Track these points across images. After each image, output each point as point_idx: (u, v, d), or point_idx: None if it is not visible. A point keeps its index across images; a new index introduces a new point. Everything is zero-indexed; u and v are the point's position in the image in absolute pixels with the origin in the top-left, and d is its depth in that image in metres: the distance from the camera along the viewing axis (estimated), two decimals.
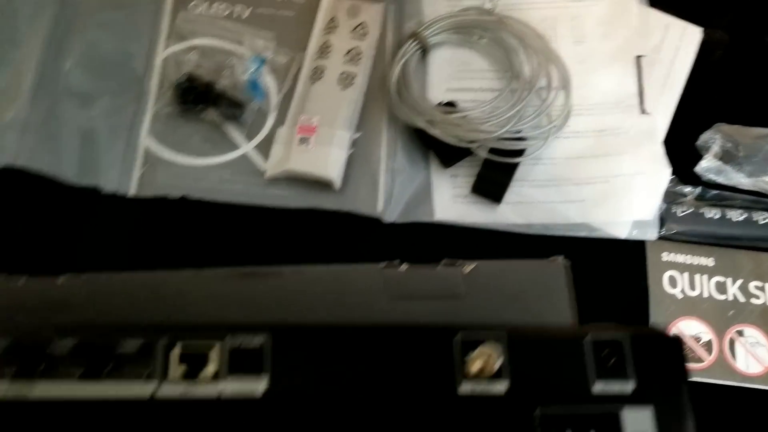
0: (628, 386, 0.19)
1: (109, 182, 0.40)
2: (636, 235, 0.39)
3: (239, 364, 0.19)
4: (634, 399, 0.19)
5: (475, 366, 0.19)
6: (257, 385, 0.19)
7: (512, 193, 0.40)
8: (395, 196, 0.40)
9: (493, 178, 0.40)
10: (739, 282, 0.39)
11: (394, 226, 0.39)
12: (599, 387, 0.19)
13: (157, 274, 0.32)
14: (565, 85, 0.42)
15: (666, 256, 0.39)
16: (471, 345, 0.20)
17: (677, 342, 0.19)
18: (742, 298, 0.39)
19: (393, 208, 0.40)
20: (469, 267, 0.32)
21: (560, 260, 0.33)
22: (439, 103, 0.42)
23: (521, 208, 0.40)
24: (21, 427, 0.19)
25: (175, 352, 0.20)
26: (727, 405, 0.37)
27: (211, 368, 0.19)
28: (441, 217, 0.40)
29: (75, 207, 0.40)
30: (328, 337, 0.20)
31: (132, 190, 0.40)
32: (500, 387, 0.19)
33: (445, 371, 0.20)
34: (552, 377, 0.19)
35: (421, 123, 0.40)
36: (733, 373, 0.37)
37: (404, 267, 0.32)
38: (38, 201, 0.40)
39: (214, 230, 0.40)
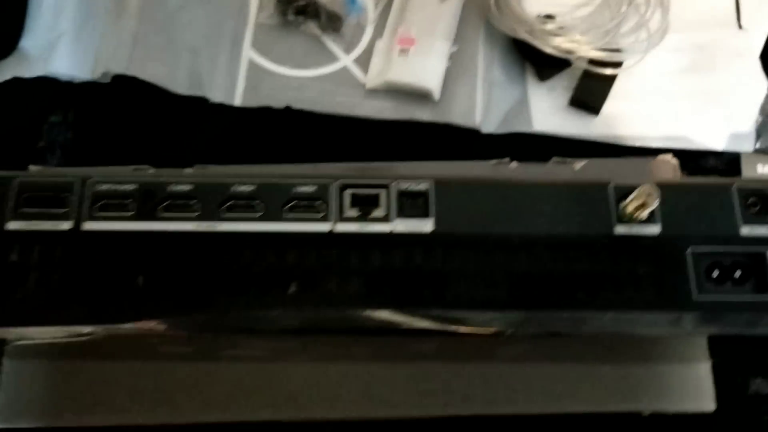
0: None
1: (215, 93, 0.41)
2: (732, 147, 0.40)
3: (406, 207, 0.21)
4: None
5: (629, 208, 0.20)
6: (424, 225, 0.21)
7: (609, 106, 0.41)
8: (493, 107, 0.41)
9: (592, 90, 0.41)
10: None
11: (492, 137, 0.41)
12: (746, 230, 0.20)
13: (278, 167, 0.34)
14: (663, 0, 0.42)
15: (761, 168, 0.40)
16: (624, 193, 0.21)
17: None
18: None
19: (491, 119, 0.41)
20: (579, 164, 0.33)
21: (669, 158, 0.34)
22: (539, 15, 0.42)
23: (618, 121, 0.41)
24: (210, 258, 0.21)
25: (347, 194, 0.21)
26: None
27: (381, 210, 0.21)
28: (539, 128, 0.40)
29: (184, 116, 0.42)
30: (486, 187, 0.21)
31: (237, 100, 0.42)
32: (653, 229, 0.21)
33: (602, 215, 0.21)
34: (701, 222, 0.21)
35: (521, 33, 0.41)
36: None
37: (514, 164, 0.33)
38: (150, 109, 0.42)
39: (315, 140, 0.42)
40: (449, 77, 0.42)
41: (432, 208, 0.21)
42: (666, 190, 0.20)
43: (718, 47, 0.42)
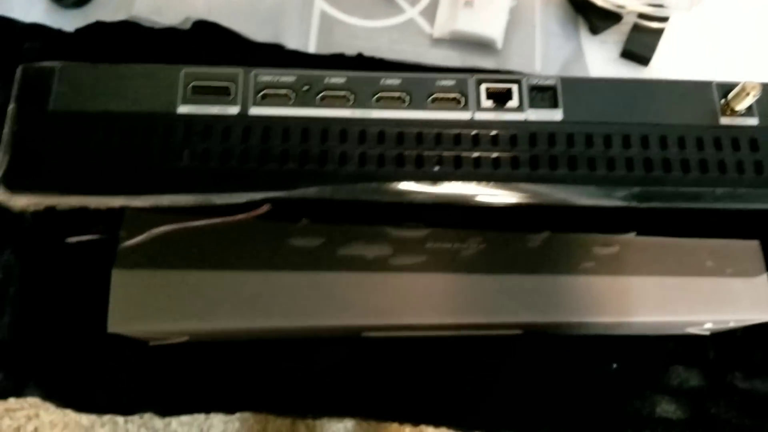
0: None
1: (291, 40, 0.44)
2: None
3: (537, 99, 0.23)
4: None
5: (732, 102, 0.23)
6: (554, 115, 0.23)
7: (657, 58, 0.44)
8: (551, 58, 0.44)
9: (642, 42, 0.44)
10: None
11: None
12: None
13: None
14: None
15: None
16: (726, 90, 0.24)
17: None
18: None
19: (549, 68, 0.44)
20: None
21: None
22: None
23: (666, 71, 0.44)
24: (362, 140, 0.23)
25: (483, 88, 0.24)
26: None
27: (514, 101, 0.24)
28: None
29: (262, 62, 0.44)
30: (607, 83, 0.24)
31: (311, 47, 0.44)
32: (752, 121, 0.24)
33: (708, 109, 0.24)
34: None
35: None
36: None
37: None
38: (229, 55, 0.44)
39: None
40: (510, 29, 0.45)
41: (560, 99, 0.24)
42: (764, 86, 0.23)
43: None
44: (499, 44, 0.44)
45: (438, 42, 0.45)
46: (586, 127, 0.23)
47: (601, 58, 0.45)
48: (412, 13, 0.45)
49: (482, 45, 0.44)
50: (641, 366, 0.37)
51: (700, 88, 0.24)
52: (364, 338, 0.35)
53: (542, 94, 0.24)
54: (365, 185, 0.22)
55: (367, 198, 0.23)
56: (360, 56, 0.44)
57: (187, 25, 0.44)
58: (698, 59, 0.44)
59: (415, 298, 0.31)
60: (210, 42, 0.44)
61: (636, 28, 0.44)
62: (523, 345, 0.37)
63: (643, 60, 0.44)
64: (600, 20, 0.45)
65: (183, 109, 0.23)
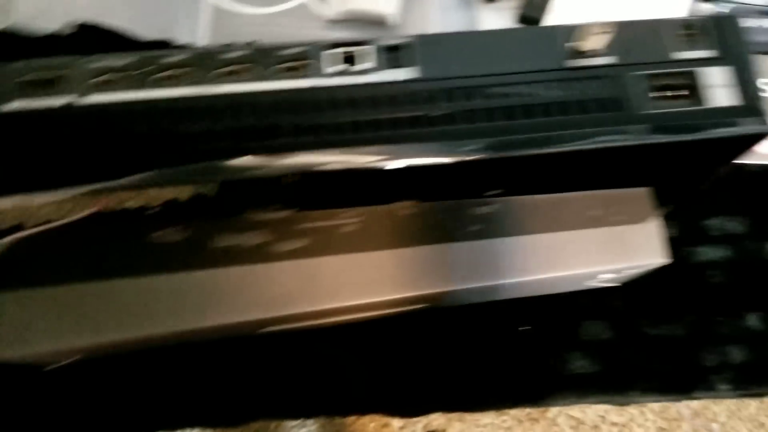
0: (703, 54, 0.24)
1: (180, 36, 0.43)
2: None
3: (393, 59, 0.23)
4: (709, 62, 0.23)
5: (578, 44, 0.23)
6: (411, 73, 0.23)
7: (550, 18, 0.45)
8: (447, 30, 0.44)
9: (533, 5, 0.44)
10: None
11: None
12: (677, 55, 0.24)
13: None
14: None
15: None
16: (572, 33, 0.24)
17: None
18: None
19: None
20: None
21: None
22: None
23: None
24: (206, 117, 0.22)
25: (332, 53, 0.23)
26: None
27: (367, 63, 0.23)
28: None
29: None
30: (463, 37, 0.24)
31: (203, 40, 0.43)
32: (599, 60, 0.24)
33: (556, 52, 0.24)
34: (639, 51, 0.24)
35: None
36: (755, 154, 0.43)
37: None
38: None
39: None
40: (405, 4, 0.44)
41: (417, 57, 0.23)
42: (607, 27, 0.23)
43: None
44: (395, 21, 0.43)
45: (333, 24, 0.44)
46: (442, 83, 0.23)
47: (497, 26, 0.45)
48: None
49: (378, 23, 0.44)
50: (554, 325, 0.37)
51: (549, 32, 0.24)
52: (263, 335, 0.34)
53: (398, 54, 0.24)
54: (206, 165, 0.22)
55: (210, 179, 0.22)
56: (251, 45, 0.43)
57: (70, 29, 0.42)
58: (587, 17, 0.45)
59: (308, 285, 0.30)
60: (94, 45, 0.43)
61: None
62: (432, 319, 0.36)
63: (535, 22, 0.44)
64: None
65: (13, 106, 0.22)
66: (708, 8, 0.46)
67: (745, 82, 0.24)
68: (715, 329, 0.38)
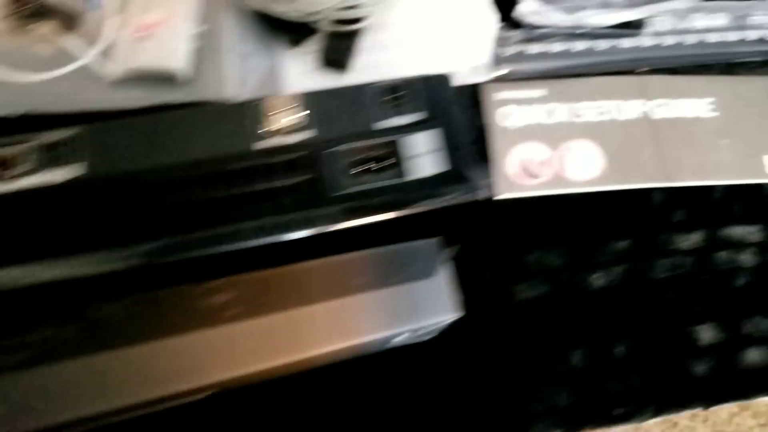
0: (409, 119, 0.22)
1: None
2: (472, 79, 0.44)
3: (53, 157, 0.20)
4: (415, 128, 0.22)
5: (271, 121, 0.21)
6: (70, 173, 0.20)
7: (359, 60, 0.43)
8: (247, 79, 0.42)
9: (337, 48, 0.43)
10: (568, 105, 0.44)
11: None
12: (380, 124, 0.22)
13: None
14: None
15: (501, 94, 0.44)
16: (263, 108, 0.22)
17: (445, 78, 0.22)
18: (571, 119, 0.44)
19: (244, 91, 0.42)
20: None
21: None
22: None
23: (367, 73, 0.43)
24: None
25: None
26: (565, 209, 0.42)
27: (24, 166, 0.20)
28: (290, 92, 0.42)
29: None
30: (135, 125, 0.21)
31: None
32: (295, 138, 0.22)
33: (247, 132, 0.22)
34: (341, 122, 0.22)
35: (265, 4, 0.42)
36: (567, 182, 0.42)
37: None
38: None
39: None
40: (198, 55, 0.42)
41: (83, 154, 0.21)
42: (303, 99, 0.22)
43: None
44: (183, 76, 0.41)
45: (120, 83, 0.41)
46: (109, 181, 0.21)
47: (301, 72, 0.43)
48: (89, 56, 0.42)
49: (167, 80, 0.41)
50: (359, 388, 0.35)
51: (237, 111, 0.22)
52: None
53: (59, 151, 0.21)
54: None
55: None
56: (25, 117, 0.40)
57: None
58: (395, 57, 0.43)
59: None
60: None
61: (331, 35, 0.43)
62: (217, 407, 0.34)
63: (341, 65, 0.43)
64: (297, 33, 0.43)
65: None
66: (517, 35, 0.45)
67: (454, 145, 0.22)
68: (540, 372, 0.38)
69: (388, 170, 0.22)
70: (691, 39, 0.46)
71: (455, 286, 0.32)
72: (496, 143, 0.43)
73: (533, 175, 0.42)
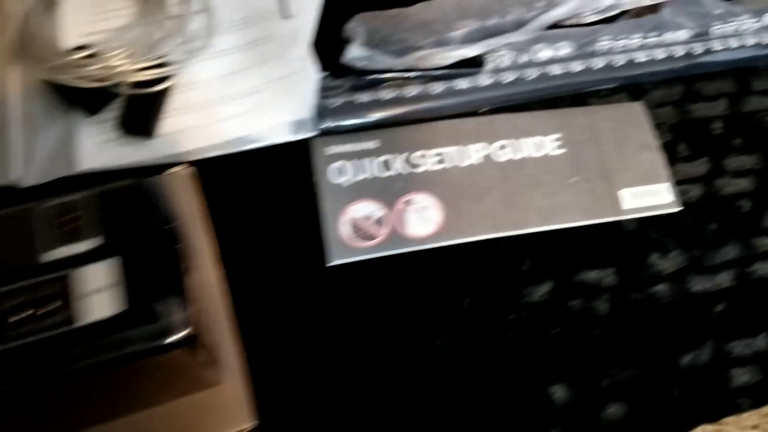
0: (85, 246, 0.18)
1: None
2: (296, 135, 0.40)
3: None
4: (94, 256, 0.18)
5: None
6: None
7: (167, 124, 0.39)
8: (36, 157, 0.37)
9: (140, 113, 0.39)
10: (404, 155, 0.41)
11: (35, 189, 0.37)
12: (50, 255, 0.18)
13: None
14: (206, 6, 0.42)
15: (331, 149, 0.40)
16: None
17: (147, 189, 0.19)
18: (407, 170, 0.41)
19: (32, 170, 0.37)
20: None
21: (183, 169, 0.32)
22: (71, 49, 0.39)
23: (176, 138, 0.39)
24: None
25: None
26: (407, 270, 0.39)
27: None
28: (86, 165, 0.37)
29: None
30: None
31: None
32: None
33: None
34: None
35: (45, 74, 0.37)
36: (407, 240, 0.39)
37: None
38: None
39: None
40: None
41: None
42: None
43: (269, 40, 0.42)
44: None
45: None
46: None
47: (99, 142, 0.38)
48: None
49: None
50: None
51: None
52: None
53: None
54: None
55: None
56: None
57: None
58: (209, 117, 0.40)
59: None
60: None
61: (132, 99, 0.39)
62: None
63: (146, 132, 0.39)
64: (92, 101, 0.39)
65: None
66: (345, 84, 0.42)
67: (134, 277, 0.18)
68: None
69: (61, 313, 0.18)
70: (534, 72, 0.44)
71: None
72: (328, 204, 0.39)
73: (369, 236, 0.39)
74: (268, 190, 0.39)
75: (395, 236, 0.39)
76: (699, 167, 0.45)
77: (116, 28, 0.40)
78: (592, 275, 0.41)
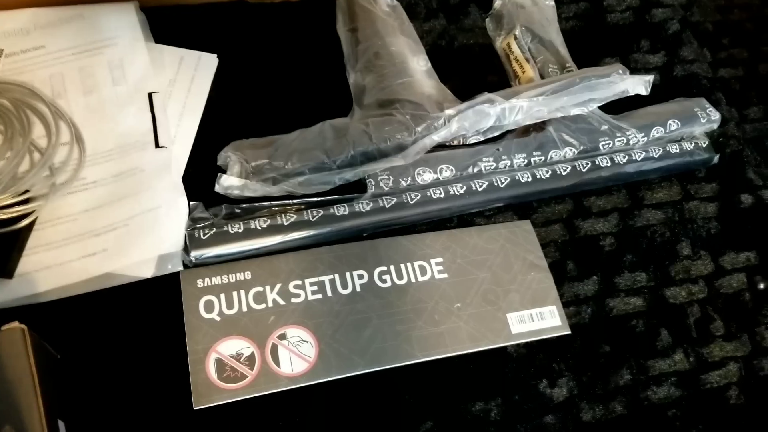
0: None
1: None
2: (163, 270, 0.41)
3: None
4: None
5: None
6: None
7: (26, 263, 0.40)
8: None
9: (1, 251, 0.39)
10: (278, 286, 0.42)
11: None
12: None
13: None
14: (73, 138, 0.44)
15: (201, 283, 0.41)
16: None
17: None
18: (282, 302, 0.42)
19: None
20: None
21: (15, 326, 0.33)
22: None
23: (36, 277, 0.39)
24: None
25: None
26: (278, 410, 0.39)
27: None
28: None
29: None
30: None
31: None
32: None
33: None
34: None
35: None
36: (279, 378, 0.39)
37: None
38: None
39: None
40: None
41: None
42: None
43: (138, 170, 0.43)
44: None
45: None
46: None
47: None
48: None
49: None
50: None
51: None
52: None
53: None
54: None
55: None
56: None
57: None
58: (73, 254, 0.40)
59: None
60: None
61: None
62: None
63: (5, 272, 0.39)
64: None
65: None
66: (218, 213, 0.43)
67: None
68: None
69: None
70: (416, 196, 0.46)
71: None
72: (195, 342, 0.39)
73: (239, 376, 0.39)
74: (134, 330, 0.40)
75: (267, 375, 0.39)
76: (589, 286, 0.47)
77: None
78: (477, 407, 0.41)
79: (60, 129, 0.43)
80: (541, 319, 0.44)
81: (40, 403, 0.31)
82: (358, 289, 0.43)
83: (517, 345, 0.43)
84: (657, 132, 0.52)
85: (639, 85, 0.51)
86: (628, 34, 0.61)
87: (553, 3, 0.59)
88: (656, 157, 0.51)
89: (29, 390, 0.32)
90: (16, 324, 0.33)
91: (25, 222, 0.40)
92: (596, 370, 0.43)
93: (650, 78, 0.51)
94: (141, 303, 0.40)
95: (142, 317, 0.40)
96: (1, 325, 0.35)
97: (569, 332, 0.44)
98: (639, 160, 0.51)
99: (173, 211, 0.42)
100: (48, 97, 0.44)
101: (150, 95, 0.46)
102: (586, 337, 0.44)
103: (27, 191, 0.41)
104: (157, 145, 0.44)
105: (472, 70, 0.56)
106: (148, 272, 0.40)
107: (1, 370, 0.32)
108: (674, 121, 0.53)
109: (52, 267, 0.40)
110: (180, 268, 0.41)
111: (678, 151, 0.52)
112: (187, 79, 0.47)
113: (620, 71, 0.50)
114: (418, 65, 0.53)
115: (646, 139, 0.52)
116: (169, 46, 0.48)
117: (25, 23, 0.47)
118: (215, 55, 0.49)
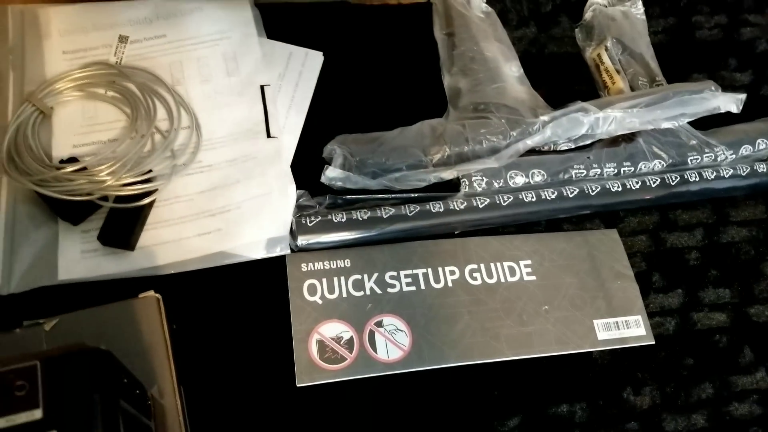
0: (27, 417, 0.20)
1: None
2: (272, 252, 0.44)
3: None
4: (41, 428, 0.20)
5: None
6: None
7: (147, 237, 0.43)
8: (18, 265, 0.41)
9: (122, 226, 0.43)
10: (375, 276, 0.44)
11: (12, 298, 0.40)
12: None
13: None
14: (192, 123, 0.47)
15: (305, 267, 0.44)
16: None
17: (99, 355, 0.21)
18: (379, 290, 0.44)
19: (12, 278, 0.41)
20: (50, 323, 0.33)
21: (150, 295, 0.36)
22: (61, 161, 0.44)
23: (155, 251, 0.43)
24: None
25: None
26: (375, 394, 0.41)
27: None
28: (65, 276, 0.41)
29: None
30: None
31: None
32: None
33: None
34: None
35: (30, 185, 0.42)
36: (376, 363, 0.42)
37: None
38: None
39: None
40: None
41: None
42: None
43: (250, 157, 0.47)
44: None
45: None
46: None
47: (79, 252, 0.42)
48: None
49: None
50: None
51: None
52: None
53: None
54: None
55: None
56: None
57: None
58: (187, 233, 0.44)
59: None
60: None
61: (115, 212, 0.43)
62: None
63: (126, 244, 0.42)
64: (76, 212, 0.43)
65: None
66: (322, 202, 0.46)
67: None
68: None
69: None
70: (507, 198, 0.48)
71: None
72: (299, 323, 0.42)
73: (339, 358, 0.42)
74: (242, 307, 0.43)
75: (365, 359, 0.42)
76: (674, 299, 0.48)
77: (105, 141, 0.45)
78: (562, 409, 0.43)
79: (181, 114, 0.47)
80: (627, 327, 0.46)
81: (173, 368, 0.34)
82: (449, 284, 0.45)
83: (602, 351, 0.45)
84: (745, 150, 0.53)
85: (731, 102, 0.52)
86: (716, 51, 0.62)
87: (644, 17, 0.61)
88: (743, 175, 0.52)
89: (163, 355, 0.35)
90: (151, 293, 0.36)
91: (147, 200, 0.43)
92: (679, 382, 0.45)
93: (743, 97, 0.51)
94: (249, 282, 0.43)
95: (250, 296, 0.43)
96: (127, 295, 0.39)
97: (653, 342, 0.45)
98: (727, 177, 0.52)
99: (283, 197, 0.45)
100: (169, 84, 0.47)
101: (262, 88, 0.49)
102: (670, 348, 0.46)
103: (150, 171, 0.44)
104: (268, 135, 0.47)
105: (562, 78, 0.57)
106: (258, 253, 0.43)
107: (138, 336, 0.35)
108: (763, 141, 0.54)
109: (169, 242, 0.43)
110: (288, 251, 0.44)
111: (765, 170, 0.53)
112: (295, 74, 0.50)
113: (713, 88, 0.51)
114: (511, 71, 0.55)
115: (734, 156, 0.53)
116: (279, 42, 0.51)
117: (149, 13, 0.50)
118: (321, 53, 0.52)
